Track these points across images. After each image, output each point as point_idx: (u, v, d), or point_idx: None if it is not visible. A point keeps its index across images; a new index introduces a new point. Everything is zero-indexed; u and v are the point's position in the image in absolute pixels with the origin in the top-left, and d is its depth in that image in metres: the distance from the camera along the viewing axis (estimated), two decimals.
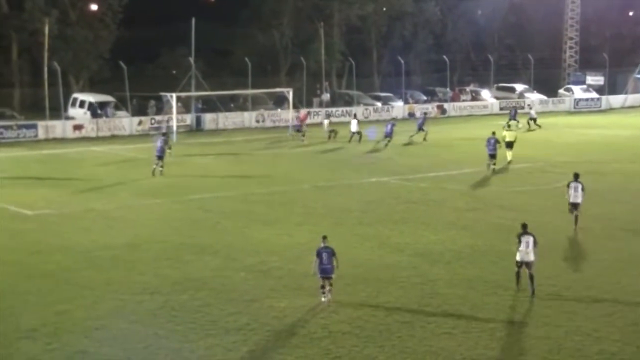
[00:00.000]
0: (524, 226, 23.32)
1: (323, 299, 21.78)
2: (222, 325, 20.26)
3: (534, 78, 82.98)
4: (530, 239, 22.93)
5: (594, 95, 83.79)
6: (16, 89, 70.70)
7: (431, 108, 73.57)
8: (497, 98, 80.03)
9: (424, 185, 39.30)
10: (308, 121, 60.39)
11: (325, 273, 21.81)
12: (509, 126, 55.61)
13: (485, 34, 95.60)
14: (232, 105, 68.95)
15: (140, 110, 64.01)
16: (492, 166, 42.88)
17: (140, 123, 60.49)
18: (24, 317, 20.76)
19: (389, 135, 52.78)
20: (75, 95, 65.11)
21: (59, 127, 57.52)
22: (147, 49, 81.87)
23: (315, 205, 34.55)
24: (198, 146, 53.74)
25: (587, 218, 30.88)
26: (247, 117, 65.32)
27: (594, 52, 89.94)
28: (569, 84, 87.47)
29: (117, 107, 62.53)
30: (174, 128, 56.58)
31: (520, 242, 22.92)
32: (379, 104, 74.02)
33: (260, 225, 30.77)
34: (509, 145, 45.18)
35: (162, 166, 41.29)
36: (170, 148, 43.53)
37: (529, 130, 61.45)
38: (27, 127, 56.63)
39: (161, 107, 63.64)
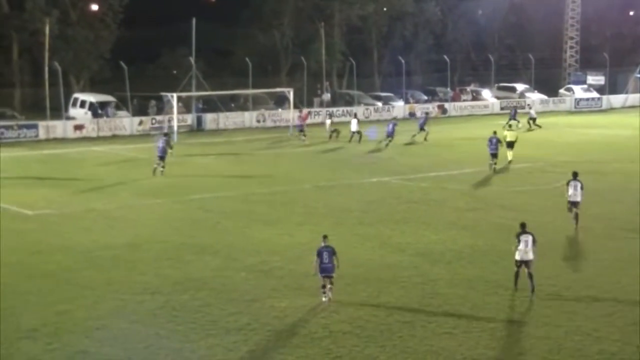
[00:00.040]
0: (523, 225, 23.35)
1: (324, 299, 21.80)
2: (222, 325, 20.28)
3: (534, 78, 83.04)
4: (529, 238, 22.96)
5: (595, 95, 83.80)
6: (17, 89, 70.75)
7: (432, 108, 73.59)
8: (497, 98, 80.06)
9: (425, 185, 39.31)
10: (309, 121, 60.43)
11: (326, 272, 21.84)
12: (509, 126, 55.60)
13: (486, 34, 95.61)
14: (232, 105, 69.00)
15: (141, 110, 64.05)
16: (493, 165, 42.94)
17: (141, 123, 60.52)
18: (24, 317, 20.77)
19: (390, 134, 52.80)
20: (76, 95, 65.16)
21: (59, 127, 57.55)
22: (147, 49, 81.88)
23: (316, 205, 34.56)
24: (199, 146, 53.76)
25: (587, 218, 30.89)
26: (248, 117, 65.34)
27: (595, 51, 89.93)
28: (569, 83, 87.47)
29: (117, 107, 62.59)
30: (175, 128, 56.60)
31: (519, 241, 22.95)
32: (379, 104, 74.06)
33: (261, 225, 30.79)
34: (510, 145, 45.27)
35: (163, 166, 41.30)
36: (171, 148, 43.58)
37: (529, 130, 61.46)
38: (28, 127, 56.66)
39: (162, 107, 63.69)
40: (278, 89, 68.10)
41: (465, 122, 69.60)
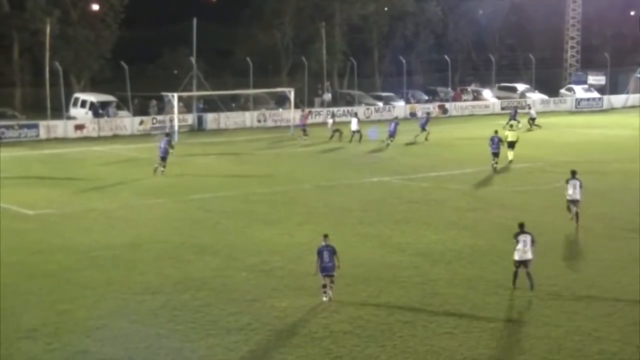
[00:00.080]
0: (521, 225, 23.38)
1: (324, 298, 21.81)
2: (223, 325, 20.29)
3: (535, 78, 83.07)
4: (528, 238, 22.99)
5: (596, 95, 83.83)
6: (17, 89, 70.81)
7: (433, 108, 73.60)
8: (498, 98, 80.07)
9: (425, 185, 39.33)
10: (309, 121, 60.42)
11: (327, 271, 21.87)
12: (510, 126, 55.63)
13: (487, 34, 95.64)
14: (233, 105, 69.02)
15: (141, 110, 64.09)
16: (494, 165, 43.01)
17: (141, 123, 60.55)
18: (25, 316, 20.78)
19: (392, 134, 52.83)
20: (76, 95, 65.21)
21: (60, 127, 57.57)
22: (148, 49, 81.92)
23: (317, 205, 34.58)
24: (199, 146, 53.78)
25: (587, 217, 30.90)
26: (249, 117, 65.36)
27: (596, 51, 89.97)
28: (570, 83, 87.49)
29: (118, 107, 62.64)
30: (176, 128, 56.62)
31: (517, 241, 22.98)
32: (380, 104, 74.09)
33: (262, 225, 30.80)
34: (511, 145, 45.38)
35: (164, 166, 41.34)
36: (172, 148, 43.59)
37: (529, 130, 61.44)
38: (29, 126, 56.69)
39: (162, 107, 63.74)
40: (279, 89, 68.12)
41: (466, 122, 69.62)
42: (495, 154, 43.11)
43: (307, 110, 63.67)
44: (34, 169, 44.24)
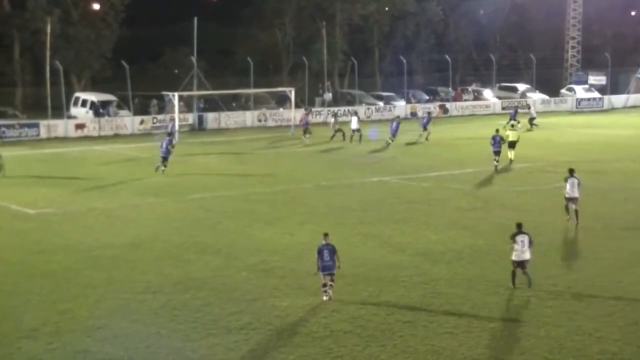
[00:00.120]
0: (519, 225, 23.39)
1: (325, 297, 21.83)
2: (223, 324, 20.29)
3: (536, 78, 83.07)
4: (526, 238, 23.01)
5: (596, 95, 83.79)
6: (18, 88, 70.90)
7: (433, 108, 73.61)
8: (499, 98, 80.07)
9: (426, 185, 39.33)
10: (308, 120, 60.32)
11: (327, 270, 21.89)
12: (512, 126, 55.59)
13: (487, 34, 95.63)
14: (234, 104, 69.05)
15: (142, 110, 64.14)
16: (495, 163, 43.06)
17: (142, 122, 60.59)
18: (25, 316, 20.79)
19: (394, 133, 52.83)
20: (77, 94, 65.27)
21: (61, 126, 57.59)
22: (149, 49, 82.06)
23: (317, 205, 34.58)
24: (200, 145, 53.79)
25: (588, 217, 30.90)
26: (249, 117, 65.36)
27: (596, 51, 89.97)
28: (571, 83, 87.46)
29: (119, 106, 62.71)
30: (176, 127, 56.64)
31: (515, 241, 23.00)
32: (381, 104, 74.11)
33: (262, 224, 30.81)
34: (512, 145, 45.42)
35: (165, 166, 41.38)
36: (173, 147, 43.67)
37: (529, 130, 61.42)
38: (29, 126, 56.73)
39: (163, 107, 63.77)
40: (279, 89, 68.13)
41: (466, 122, 69.61)
42: (497, 153, 43.19)
43: (306, 109, 63.55)
44: (34, 168, 44.25)
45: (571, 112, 78.41)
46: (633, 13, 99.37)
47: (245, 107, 68.00)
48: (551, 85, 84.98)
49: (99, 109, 61.41)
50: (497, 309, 21.65)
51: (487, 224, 31.00)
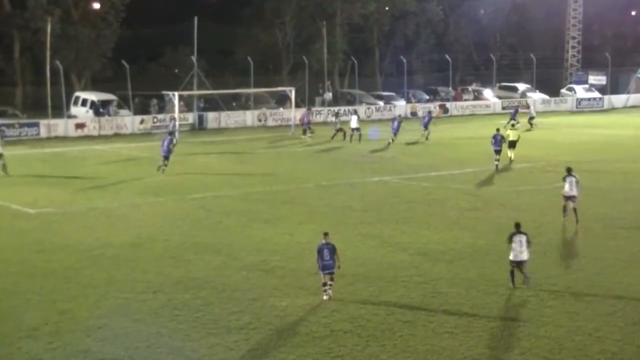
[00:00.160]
0: (517, 225, 23.40)
1: (325, 297, 21.84)
2: (224, 324, 20.30)
3: (536, 77, 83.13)
4: (524, 238, 23.03)
5: (596, 94, 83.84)
6: (18, 88, 70.95)
7: (433, 107, 73.65)
8: (499, 97, 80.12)
9: (426, 185, 39.33)
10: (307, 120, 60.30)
11: (327, 269, 21.91)
12: (512, 125, 55.62)
13: (488, 34, 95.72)
14: (234, 104, 69.10)
15: (142, 109, 64.16)
16: (496, 163, 43.10)
17: (142, 122, 60.62)
18: (26, 316, 20.79)
19: (395, 132, 52.85)
20: (77, 93, 65.30)
21: (61, 126, 57.61)
22: (149, 48, 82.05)
23: (318, 204, 34.59)
24: (200, 145, 53.81)
25: (588, 217, 30.92)
26: (249, 116, 65.38)
27: (596, 51, 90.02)
28: (571, 83, 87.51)
29: (119, 106, 62.75)
30: (177, 127, 56.65)
31: (512, 241, 23.01)
32: (381, 103, 74.16)
33: (263, 224, 30.81)
34: (512, 144, 45.48)
35: (166, 165, 41.41)
36: (174, 146, 43.71)
37: (528, 130, 61.43)
38: (30, 125, 56.76)
39: (163, 106, 63.80)
40: (279, 88, 68.18)
41: (466, 121, 69.65)
42: (497, 152, 43.26)
43: (308, 108, 63.51)
44: (34, 167, 44.26)
45: (571, 112, 78.45)
46: (633, 13, 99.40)
47: (245, 107, 68.04)
48: (551, 85, 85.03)
49: (99, 109, 61.45)
50: (497, 309, 21.65)
51: (487, 224, 31.00)
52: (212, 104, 66.24)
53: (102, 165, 44.97)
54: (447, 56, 78.45)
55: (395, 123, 53.67)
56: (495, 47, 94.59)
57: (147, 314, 21.00)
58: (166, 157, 41.55)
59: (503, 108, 75.43)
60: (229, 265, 25.37)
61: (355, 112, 59.16)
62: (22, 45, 71.23)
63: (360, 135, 54.49)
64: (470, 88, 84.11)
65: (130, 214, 32.67)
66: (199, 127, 62.64)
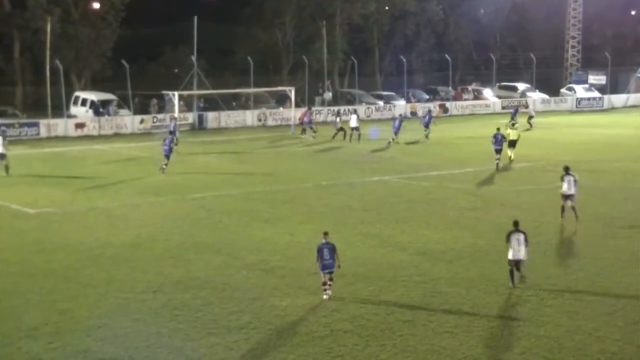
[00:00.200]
0: (516, 223, 23.41)
1: (325, 296, 21.85)
2: (224, 323, 20.30)
3: (536, 77, 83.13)
4: (522, 237, 23.03)
5: (596, 94, 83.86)
6: (18, 87, 70.94)
7: (433, 107, 73.63)
8: (499, 97, 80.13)
9: (426, 184, 39.33)
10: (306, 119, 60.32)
11: (327, 268, 21.92)
12: (513, 125, 55.61)
13: (488, 33, 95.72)
14: (234, 104, 69.09)
15: (142, 109, 64.16)
16: (496, 162, 43.12)
17: (142, 121, 60.60)
18: (26, 316, 20.78)
19: (397, 131, 52.82)
20: (77, 93, 65.30)
21: (61, 126, 57.60)
22: (149, 48, 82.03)
23: (318, 204, 34.59)
24: (200, 145, 53.80)
25: (588, 217, 30.92)
26: (249, 116, 65.37)
27: (596, 51, 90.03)
28: (571, 83, 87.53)
29: (119, 106, 62.73)
30: (177, 126, 56.63)
31: (510, 240, 23.01)
32: (381, 103, 74.15)
33: (263, 223, 30.81)
34: (512, 144, 45.52)
35: (166, 164, 41.43)
36: (176, 145, 43.71)
37: (527, 129, 61.40)
38: (29, 125, 56.75)
39: (163, 106, 63.79)
40: (279, 88, 68.19)
41: (466, 121, 69.66)
42: (498, 151, 43.30)
43: (309, 108, 63.48)
44: (34, 167, 44.25)
45: (571, 112, 78.46)
46: (633, 13, 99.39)
47: (245, 107, 68.03)
48: (551, 85, 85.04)
49: (99, 108, 61.44)
50: (497, 309, 21.66)
51: (487, 224, 31.00)
52: (212, 104, 66.23)
53: (102, 165, 44.97)
54: (447, 56, 78.46)
55: (397, 122, 53.70)
56: (495, 47, 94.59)
57: (147, 314, 21.00)
58: (167, 157, 41.57)
59: (503, 108, 75.45)
60: (229, 265, 25.37)
61: (355, 112, 59.14)
62: (22, 45, 71.23)
63: (359, 135, 54.47)
64: (470, 88, 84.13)
65: (130, 213, 32.66)
66: (199, 126, 62.63)
